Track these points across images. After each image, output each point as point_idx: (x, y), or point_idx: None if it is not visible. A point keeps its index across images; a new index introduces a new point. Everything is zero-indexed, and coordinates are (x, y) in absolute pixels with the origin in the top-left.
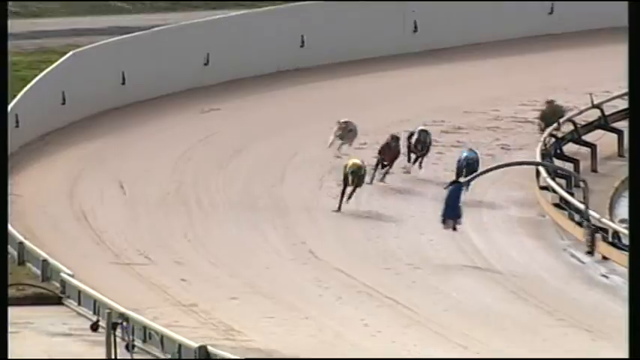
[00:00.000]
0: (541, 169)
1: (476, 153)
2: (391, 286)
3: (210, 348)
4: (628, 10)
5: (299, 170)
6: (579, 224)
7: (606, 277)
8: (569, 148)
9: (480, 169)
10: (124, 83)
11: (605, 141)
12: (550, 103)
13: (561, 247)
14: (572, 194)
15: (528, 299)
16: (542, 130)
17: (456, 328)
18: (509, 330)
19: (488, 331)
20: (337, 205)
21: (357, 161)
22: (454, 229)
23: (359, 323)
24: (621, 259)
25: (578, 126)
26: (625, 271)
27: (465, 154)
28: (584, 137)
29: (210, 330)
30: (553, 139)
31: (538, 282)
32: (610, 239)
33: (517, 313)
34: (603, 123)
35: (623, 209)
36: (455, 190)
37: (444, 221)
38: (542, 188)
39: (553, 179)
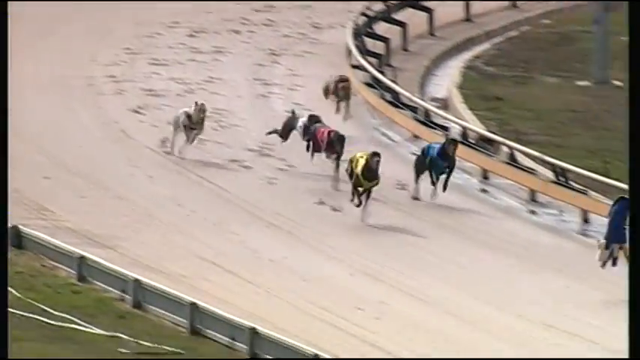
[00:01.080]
0: (352, 47)
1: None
2: (202, 166)
3: (21, 227)
4: (628, 10)
5: (111, 50)
6: (390, 103)
7: (416, 155)
8: (381, 26)
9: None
10: None
11: (415, 20)
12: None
13: (372, 126)
14: (382, 73)
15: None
16: (338, 101)
17: (268, 207)
18: (320, 211)
19: (299, 211)
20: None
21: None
22: (614, 262)
23: (171, 202)
24: (431, 138)
25: (390, 4)
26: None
27: (433, 146)
28: (395, 16)
29: (22, 209)
30: (364, 18)
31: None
32: (422, 118)
33: (326, 193)
34: (414, 1)
35: (432, 87)
36: (621, 207)
37: (606, 247)
38: (354, 67)
39: (364, 58)
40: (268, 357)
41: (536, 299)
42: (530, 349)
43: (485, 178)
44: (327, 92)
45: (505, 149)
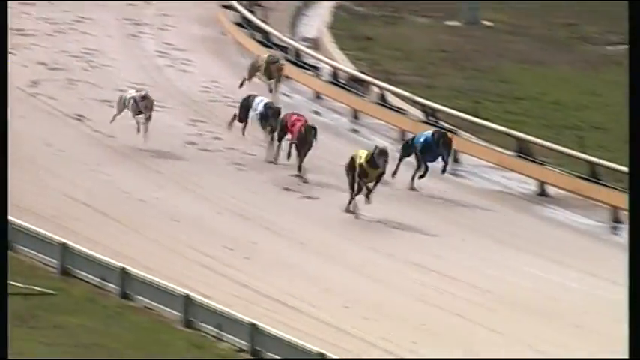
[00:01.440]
0: None
1: (434, 135)
2: (73, 106)
3: None
4: (628, 10)
5: None
6: (260, 43)
7: (288, 96)
8: None
9: None
10: None
11: None
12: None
13: (242, 66)
14: (253, 13)
15: (208, 121)
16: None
17: (139, 147)
18: (190, 152)
19: (169, 152)
20: (348, 207)
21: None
22: None
23: (42, 143)
24: (301, 78)
25: None
26: (306, 90)
27: (422, 138)
28: None
29: None
30: None
31: (219, 104)
32: (292, 58)
33: (197, 134)
34: None
35: (303, 28)
36: None
37: None
38: (225, 7)
39: None
40: (139, 297)
41: (403, 237)
42: (382, 280)
43: (356, 118)
44: (253, 72)
45: (375, 89)
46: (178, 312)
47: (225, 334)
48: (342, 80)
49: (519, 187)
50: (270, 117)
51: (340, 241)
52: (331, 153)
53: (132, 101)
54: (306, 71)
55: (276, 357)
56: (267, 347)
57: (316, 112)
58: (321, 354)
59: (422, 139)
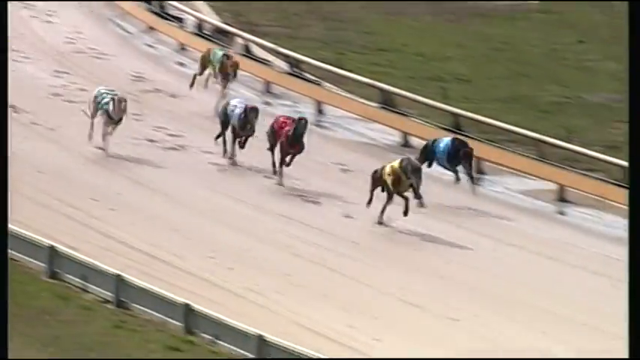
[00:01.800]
0: None
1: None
2: None
3: None
4: (628, 10)
5: None
6: None
7: (153, 47)
8: None
9: None
10: None
11: None
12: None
13: (106, 17)
14: None
15: (73, 73)
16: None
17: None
18: (55, 103)
19: (35, 102)
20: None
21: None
22: None
23: None
24: (166, 29)
25: None
26: (171, 41)
27: (443, 141)
28: None
29: None
30: None
31: (84, 56)
32: (157, 10)
33: (62, 85)
34: None
35: None
36: None
37: None
38: None
39: None
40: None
41: (271, 187)
42: (247, 231)
43: None
44: (205, 68)
45: (240, 41)
46: (43, 263)
47: (91, 286)
48: (206, 32)
49: (383, 139)
50: (250, 120)
51: (204, 192)
52: (198, 104)
53: (110, 105)
54: (170, 22)
55: (142, 308)
56: (133, 298)
57: (181, 64)
58: (187, 304)
59: (442, 145)
